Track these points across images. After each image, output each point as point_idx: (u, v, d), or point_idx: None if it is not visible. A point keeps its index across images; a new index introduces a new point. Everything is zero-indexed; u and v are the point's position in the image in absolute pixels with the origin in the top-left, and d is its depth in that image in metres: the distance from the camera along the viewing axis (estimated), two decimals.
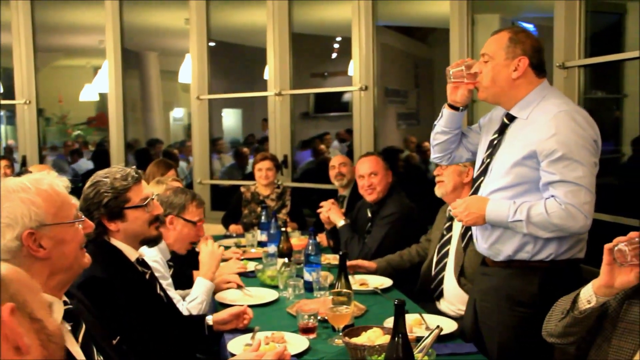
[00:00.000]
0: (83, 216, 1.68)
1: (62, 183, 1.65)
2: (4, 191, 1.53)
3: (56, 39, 9.08)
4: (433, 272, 3.33)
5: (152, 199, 2.41)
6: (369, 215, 4.07)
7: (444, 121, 2.72)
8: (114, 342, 1.86)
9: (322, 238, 4.29)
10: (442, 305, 3.27)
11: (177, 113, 12.44)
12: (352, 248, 3.83)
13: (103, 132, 10.10)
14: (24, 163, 6.15)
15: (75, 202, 1.68)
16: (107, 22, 6.05)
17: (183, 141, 10.18)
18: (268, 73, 5.69)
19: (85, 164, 8.61)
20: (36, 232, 1.53)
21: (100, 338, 1.77)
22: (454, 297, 3.17)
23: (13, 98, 6.37)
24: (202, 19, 5.85)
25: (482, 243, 2.58)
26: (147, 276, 2.41)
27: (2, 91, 7.33)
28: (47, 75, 9.61)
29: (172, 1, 6.93)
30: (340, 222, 4.01)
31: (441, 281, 3.29)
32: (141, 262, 2.41)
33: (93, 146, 10.47)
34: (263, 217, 4.36)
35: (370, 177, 3.97)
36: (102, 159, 6.56)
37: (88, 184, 2.34)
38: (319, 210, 4.16)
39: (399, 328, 1.84)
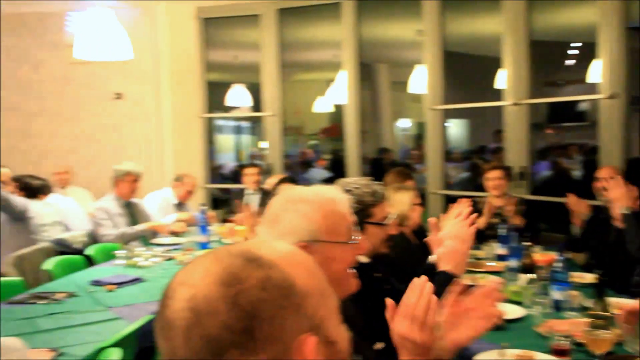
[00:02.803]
0: (357, 238, 1.62)
1: (343, 201, 1.62)
2: (285, 201, 1.58)
3: (297, 55, 9.72)
4: None
5: (392, 218, 2.46)
6: None
7: None
8: (378, 347, 1.91)
9: (574, 255, 4.02)
10: None
11: (403, 123, 12.64)
12: None
13: (335, 142, 10.60)
14: (269, 170, 6.68)
15: (351, 221, 1.63)
16: (345, 36, 6.35)
17: (408, 150, 10.31)
18: (505, 82, 5.54)
19: (318, 173, 9.07)
20: (309, 245, 1.51)
21: (362, 344, 1.83)
22: None
23: (260, 110, 6.96)
24: (436, 30, 5.87)
25: None
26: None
27: (252, 104, 8.04)
28: (286, 89, 10.35)
29: (405, 14, 7.06)
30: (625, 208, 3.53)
31: None
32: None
33: (326, 156, 11.01)
34: (502, 230, 4.24)
35: None
36: (338, 168, 6.88)
37: None
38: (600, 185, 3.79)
39: None
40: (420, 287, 1.48)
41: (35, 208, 5.11)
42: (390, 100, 11.14)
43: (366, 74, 10.66)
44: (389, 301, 1.51)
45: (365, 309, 2.14)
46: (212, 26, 7.01)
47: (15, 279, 3.79)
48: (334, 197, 1.60)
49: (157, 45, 6.91)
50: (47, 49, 7.28)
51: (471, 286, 1.69)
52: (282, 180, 4.29)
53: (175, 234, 5.30)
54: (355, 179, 2.51)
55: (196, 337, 0.78)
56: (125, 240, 4.95)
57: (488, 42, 6.18)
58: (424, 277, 1.50)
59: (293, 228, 1.52)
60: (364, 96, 10.42)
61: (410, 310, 1.45)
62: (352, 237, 1.60)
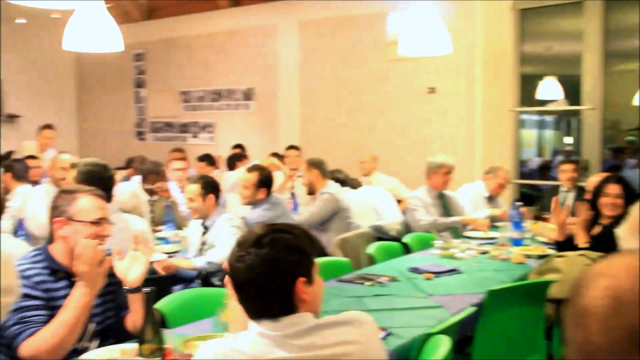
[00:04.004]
0: None
1: None
2: None
3: (619, 43, 8.95)
4: None
5: None
6: None
7: None
8: None
9: None
10: None
11: None
12: None
13: None
14: (585, 167, 6.28)
15: None
16: None
17: None
18: None
19: (633, 172, 8.20)
20: None
21: None
22: None
23: (578, 104, 6.57)
24: None
25: None
26: None
27: (562, 97, 7.62)
28: (605, 80, 9.61)
29: None
30: None
31: None
32: None
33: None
34: None
35: None
36: None
37: None
38: None
39: None
40: None
41: (351, 197, 5.52)
42: None
43: None
44: None
45: None
46: (527, 17, 6.81)
47: (343, 259, 4.14)
48: None
49: (472, 38, 6.93)
50: (367, 47, 7.80)
51: None
52: (607, 180, 3.98)
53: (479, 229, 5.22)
54: None
55: (616, 325, 0.79)
56: (438, 229, 5.06)
57: None
58: None
59: None
60: None
61: None
62: None
